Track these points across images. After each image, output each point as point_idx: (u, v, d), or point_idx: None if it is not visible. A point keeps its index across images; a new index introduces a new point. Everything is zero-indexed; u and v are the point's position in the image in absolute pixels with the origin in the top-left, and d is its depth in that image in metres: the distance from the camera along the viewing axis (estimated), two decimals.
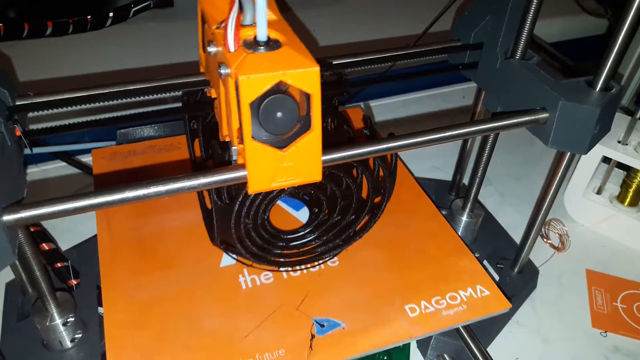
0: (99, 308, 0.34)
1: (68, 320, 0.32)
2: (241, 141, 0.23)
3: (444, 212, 0.40)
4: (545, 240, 0.45)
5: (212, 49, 0.26)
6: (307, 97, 0.22)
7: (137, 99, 0.30)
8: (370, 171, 0.34)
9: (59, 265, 0.37)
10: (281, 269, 0.35)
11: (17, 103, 0.28)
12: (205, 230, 0.36)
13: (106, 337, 0.30)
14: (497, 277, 0.40)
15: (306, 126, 0.23)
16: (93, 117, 0.30)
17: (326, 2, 0.73)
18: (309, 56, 0.22)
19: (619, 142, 0.44)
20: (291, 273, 0.35)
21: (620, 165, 0.46)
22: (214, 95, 0.29)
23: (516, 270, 0.39)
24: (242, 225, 0.31)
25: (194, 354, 0.30)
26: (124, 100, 0.30)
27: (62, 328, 0.32)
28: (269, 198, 0.31)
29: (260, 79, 0.21)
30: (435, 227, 0.39)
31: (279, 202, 0.40)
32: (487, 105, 0.34)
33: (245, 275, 0.35)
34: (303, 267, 0.35)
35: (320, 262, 0.35)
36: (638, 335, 0.38)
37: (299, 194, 0.37)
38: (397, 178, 0.36)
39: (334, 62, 0.33)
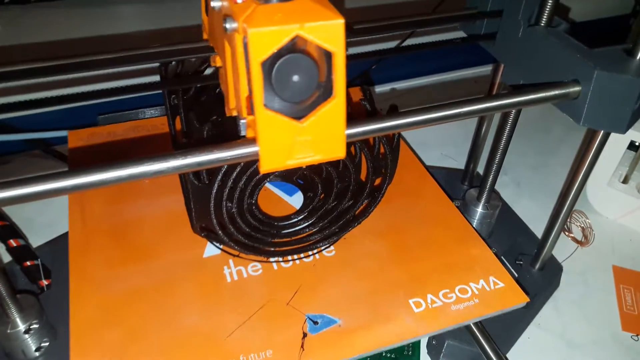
0: (69, 291, 0.31)
1: (32, 326, 0.28)
2: (251, 111, 0.20)
3: (457, 203, 0.36)
4: (567, 233, 0.41)
5: (216, 3, 0.22)
6: (329, 56, 0.19)
7: (116, 69, 0.26)
8: (370, 148, 0.30)
9: (28, 264, 0.33)
10: (271, 259, 0.32)
11: None
12: (187, 216, 0.33)
13: (71, 336, 0.27)
14: (515, 275, 0.36)
15: (327, 93, 0.19)
16: (59, 93, 0.27)
17: None
18: (330, 7, 0.19)
19: None
20: (282, 264, 0.32)
21: None
22: (218, 64, 0.26)
23: (537, 266, 0.36)
24: (224, 210, 0.28)
25: (170, 354, 0.27)
26: (100, 72, 0.26)
27: (24, 336, 0.28)
28: (255, 180, 0.28)
29: (273, 33, 0.18)
30: (442, 212, 0.35)
31: (271, 187, 0.37)
32: (507, 80, 0.30)
33: (231, 266, 0.32)
34: (295, 257, 0.32)
35: (315, 251, 0.32)
36: None
37: (292, 176, 0.33)
38: (400, 158, 0.33)
39: None
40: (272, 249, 0.31)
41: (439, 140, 0.49)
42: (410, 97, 0.56)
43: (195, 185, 0.29)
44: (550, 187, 0.46)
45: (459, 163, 0.47)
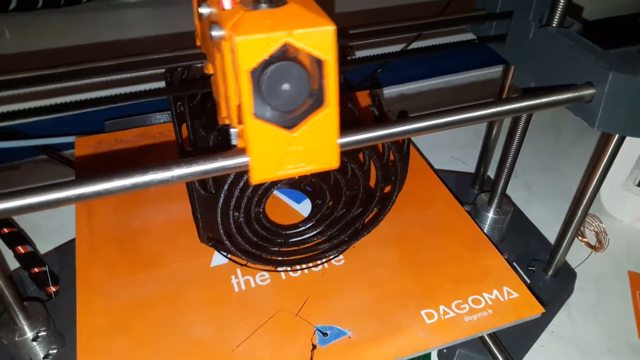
0: (76, 300, 0.31)
1: (40, 334, 0.28)
2: (241, 121, 0.19)
3: (467, 208, 0.35)
4: (580, 238, 0.40)
5: (204, 10, 0.22)
6: (320, 64, 0.18)
7: (118, 76, 0.26)
8: (380, 155, 0.30)
9: (36, 270, 0.33)
10: (279, 268, 0.31)
11: None
12: (194, 225, 0.32)
13: (78, 345, 0.27)
14: (528, 281, 0.35)
15: (319, 101, 0.19)
16: (65, 100, 0.27)
17: None
18: (321, 14, 0.18)
19: None
20: (290, 273, 0.31)
21: None
22: (210, 71, 0.26)
23: (550, 273, 0.35)
24: (231, 219, 0.28)
25: None
26: (103, 79, 0.26)
27: (32, 343, 0.28)
28: (263, 188, 0.27)
29: (261, 41, 0.17)
30: (455, 220, 0.35)
31: (278, 194, 0.36)
32: (518, 83, 0.30)
33: (239, 276, 0.31)
34: (304, 266, 0.31)
35: (324, 260, 0.32)
36: None
37: (300, 184, 0.33)
38: (409, 164, 0.32)
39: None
40: (280, 258, 0.31)
41: (448, 143, 0.49)
42: (416, 100, 0.55)
43: (201, 195, 0.28)
44: (563, 191, 0.45)
45: (469, 166, 0.46)
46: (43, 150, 0.44)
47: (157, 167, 0.20)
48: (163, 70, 0.33)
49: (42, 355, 0.28)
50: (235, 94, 0.19)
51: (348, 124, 0.30)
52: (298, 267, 0.31)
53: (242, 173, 0.27)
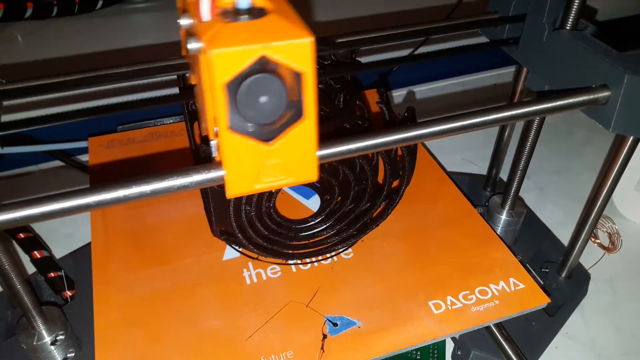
0: (93, 294, 0.31)
1: (58, 337, 0.29)
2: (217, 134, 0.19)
3: (479, 210, 0.35)
4: (593, 240, 0.40)
5: (184, 22, 0.21)
6: (299, 76, 0.18)
7: (129, 83, 0.26)
8: (388, 151, 0.30)
9: (52, 275, 0.33)
10: (289, 261, 0.32)
11: None
12: (206, 220, 0.33)
13: (95, 337, 0.28)
14: (542, 283, 0.35)
15: (298, 114, 0.19)
16: (80, 106, 0.27)
17: None
18: (300, 25, 0.18)
19: None
20: (300, 266, 0.32)
21: None
22: (194, 82, 0.25)
23: (564, 274, 0.35)
24: (243, 213, 0.28)
25: (192, 355, 0.27)
26: (115, 85, 0.26)
27: (51, 347, 0.28)
28: None
29: (236, 54, 0.17)
30: (461, 214, 0.35)
31: (287, 190, 0.37)
32: (531, 86, 0.30)
33: (250, 269, 0.32)
34: (314, 259, 0.32)
35: (333, 254, 0.32)
36: None
37: None
38: (417, 161, 0.32)
39: (347, 40, 0.29)
40: (291, 251, 0.31)
41: (459, 145, 0.49)
42: (426, 102, 0.55)
43: (215, 190, 0.29)
44: (575, 192, 0.45)
45: (480, 168, 0.46)
46: (56, 156, 0.44)
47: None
48: (175, 76, 0.33)
49: (60, 359, 0.29)
50: (212, 107, 0.19)
51: (358, 123, 0.30)
52: (308, 260, 0.32)
53: None
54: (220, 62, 0.17)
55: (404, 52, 0.50)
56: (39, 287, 0.34)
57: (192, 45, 0.18)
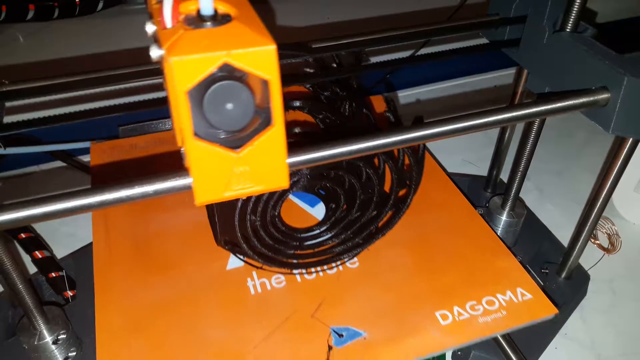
0: (95, 304, 0.31)
1: (59, 337, 0.29)
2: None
3: (480, 211, 0.36)
4: (592, 241, 0.40)
5: (150, 28, 0.20)
6: (265, 83, 0.18)
7: (131, 84, 0.26)
8: (395, 160, 0.30)
9: (53, 275, 0.33)
10: (294, 271, 0.31)
11: None
12: (210, 229, 0.33)
13: (97, 347, 0.28)
14: (541, 283, 0.35)
15: (267, 121, 0.18)
16: (83, 107, 0.27)
17: None
18: (263, 32, 0.17)
19: None
20: (305, 276, 0.31)
21: None
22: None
23: (564, 275, 0.35)
24: (248, 223, 0.28)
25: None
26: (116, 87, 0.26)
27: (52, 347, 0.28)
28: (278, 192, 0.27)
29: (197, 61, 0.16)
30: (468, 223, 0.35)
31: (292, 198, 0.36)
32: (531, 87, 0.30)
33: (255, 278, 0.31)
34: (319, 269, 0.32)
35: (338, 263, 0.32)
36: None
37: (314, 187, 0.33)
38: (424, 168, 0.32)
39: (352, 41, 0.29)
40: (295, 261, 0.31)
41: (460, 146, 0.49)
42: (427, 104, 0.56)
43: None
44: (575, 193, 0.45)
45: (480, 169, 0.46)
46: (58, 156, 0.44)
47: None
48: None
49: (61, 359, 0.29)
50: (177, 114, 0.18)
51: (363, 129, 0.30)
52: (313, 269, 0.32)
53: None
54: (180, 70, 0.16)
55: (405, 54, 0.50)
56: (40, 287, 0.34)
57: (154, 53, 0.18)
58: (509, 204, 0.36)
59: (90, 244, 0.36)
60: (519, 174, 0.34)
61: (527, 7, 0.29)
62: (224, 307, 0.30)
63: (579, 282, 0.36)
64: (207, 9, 0.18)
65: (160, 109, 0.32)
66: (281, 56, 0.26)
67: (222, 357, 0.27)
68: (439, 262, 0.32)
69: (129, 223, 0.34)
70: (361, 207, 0.31)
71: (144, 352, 0.28)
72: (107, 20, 0.59)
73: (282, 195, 0.29)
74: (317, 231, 0.32)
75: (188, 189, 0.20)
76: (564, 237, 0.39)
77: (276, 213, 0.30)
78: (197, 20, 0.18)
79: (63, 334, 0.29)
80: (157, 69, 0.29)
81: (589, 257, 0.39)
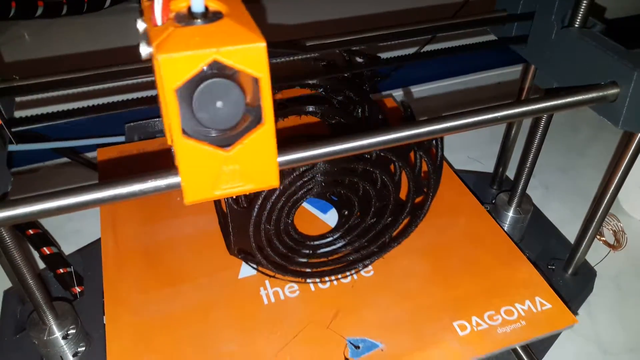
0: (105, 318, 0.31)
1: (69, 332, 0.29)
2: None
3: (487, 208, 0.36)
4: (598, 237, 0.40)
5: (140, 25, 0.20)
6: (255, 81, 0.17)
7: (138, 80, 0.26)
8: (412, 166, 0.30)
9: (61, 271, 0.34)
10: (308, 280, 0.31)
11: None
12: (221, 237, 0.32)
13: (107, 344, 0.27)
14: (549, 279, 0.35)
15: (257, 119, 0.18)
16: (90, 103, 0.27)
17: None
18: (253, 28, 0.17)
19: None
20: (319, 285, 0.31)
21: None
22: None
23: (570, 271, 0.35)
24: (262, 232, 0.28)
25: None
26: (124, 82, 0.26)
27: (62, 342, 0.28)
28: (292, 200, 0.27)
29: (186, 59, 0.16)
30: (484, 230, 0.34)
31: (304, 204, 0.36)
32: (539, 83, 0.30)
33: (267, 287, 0.31)
34: (333, 277, 0.31)
35: (353, 272, 0.31)
36: None
37: (326, 193, 0.32)
38: None
39: (356, 37, 0.29)
40: (309, 270, 0.30)
41: (464, 143, 0.49)
42: (429, 100, 0.56)
43: (234, 209, 0.28)
44: (580, 190, 0.45)
45: (485, 166, 0.46)
46: (64, 153, 0.44)
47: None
48: None
49: (71, 354, 0.29)
50: (166, 112, 0.18)
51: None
52: (327, 278, 0.31)
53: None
54: (168, 67, 0.16)
55: (410, 51, 0.50)
56: (48, 283, 0.34)
57: (143, 50, 0.18)
58: (515, 200, 0.36)
59: (97, 240, 0.36)
60: (526, 170, 0.34)
61: (535, 3, 0.29)
62: (237, 318, 0.29)
63: (585, 279, 0.36)
64: (197, 6, 0.17)
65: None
66: (286, 54, 0.26)
67: None
68: (455, 271, 0.32)
69: (137, 233, 0.34)
70: (376, 214, 0.31)
71: (154, 353, 0.27)
72: (114, 17, 0.59)
73: (296, 202, 0.28)
74: (330, 238, 0.31)
75: (177, 187, 0.19)
76: (570, 233, 0.39)
77: (289, 221, 0.29)
78: (188, 17, 0.18)
79: (72, 329, 0.29)
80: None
81: (595, 254, 0.39)
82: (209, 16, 0.17)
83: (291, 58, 0.29)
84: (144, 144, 0.40)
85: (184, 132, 0.17)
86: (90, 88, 0.28)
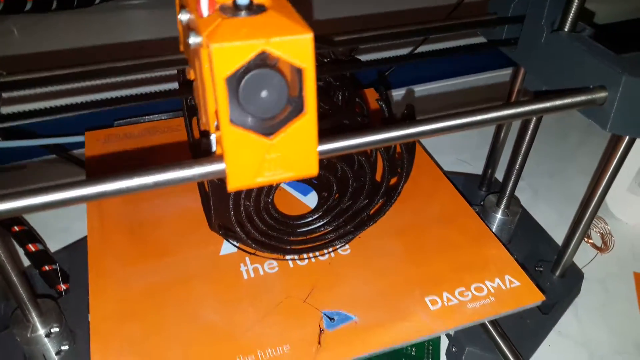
0: (89, 288, 0.31)
1: (52, 330, 0.28)
2: (219, 127, 0.19)
3: (475, 209, 0.36)
4: (586, 240, 0.41)
5: (184, 17, 0.21)
6: (299, 72, 0.18)
7: (128, 77, 0.26)
8: (386, 148, 0.31)
9: (46, 268, 0.33)
10: (287, 257, 0.32)
11: None
12: (204, 217, 0.33)
13: (91, 330, 0.28)
14: (536, 281, 0.35)
15: (298, 109, 0.19)
16: (80, 100, 0.27)
17: None
18: (300, 21, 0.18)
19: None
20: (298, 262, 0.32)
21: None
22: (192, 77, 0.25)
23: (558, 273, 0.35)
24: (242, 208, 0.29)
25: (189, 349, 0.27)
26: (113, 80, 0.26)
27: (45, 339, 0.28)
28: None
29: (237, 49, 0.17)
30: (458, 212, 0.35)
31: (285, 186, 0.37)
32: (529, 86, 0.30)
33: (248, 264, 0.32)
34: (311, 255, 0.32)
35: (330, 250, 0.33)
36: None
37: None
38: (414, 159, 0.33)
39: (346, 38, 0.29)
40: (288, 247, 0.32)
41: (454, 145, 0.49)
42: (422, 102, 0.56)
43: (215, 184, 0.29)
44: (568, 193, 0.45)
45: (474, 168, 0.46)
46: (52, 150, 0.44)
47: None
48: (174, 71, 0.33)
49: (54, 352, 0.29)
50: (213, 101, 0.19)
51: (357, 120, 0.30)
52: (305, 255, 0.32)
53: None
54: (220, 56, 0.17)
55: (403, 52, 0.50)
56: (33, 280, 0.34)
57: (192, 40, 0.18)
58: (504, 202, 0.36)
59: (84, 238, 0.35)
60: (515, 172, 0.34)
61: (526, 7, 0.30)
62: (218, 292, 0.30)
63: (572, 281, 0.36)
64: None
65: (156, 102, 0.32)
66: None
67: (216, 340, 0.28)
68: (428, 250, 0.33)
69: (122, 210, 0.35)
70: (353, 195, 0.32)
71: (138, 338, 0.28)
72: (105, 13, 0.59)
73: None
74: (310, 218, 0.33)
75: (221, 174, 0.20)
76: (558, 237, 0.39)
77: (269, 200, 0.30)
78: (233, 9, 0.18)
79: (56, 326, 0.28)
80: (153, 63, 0.29)
81: (583, 256, 0.39)
82: (253, 8, 0.18)
83: None
84: (132, 127, 0.42)
85: (231, 120, 0.18)
86: (79, 85, 0.28)
